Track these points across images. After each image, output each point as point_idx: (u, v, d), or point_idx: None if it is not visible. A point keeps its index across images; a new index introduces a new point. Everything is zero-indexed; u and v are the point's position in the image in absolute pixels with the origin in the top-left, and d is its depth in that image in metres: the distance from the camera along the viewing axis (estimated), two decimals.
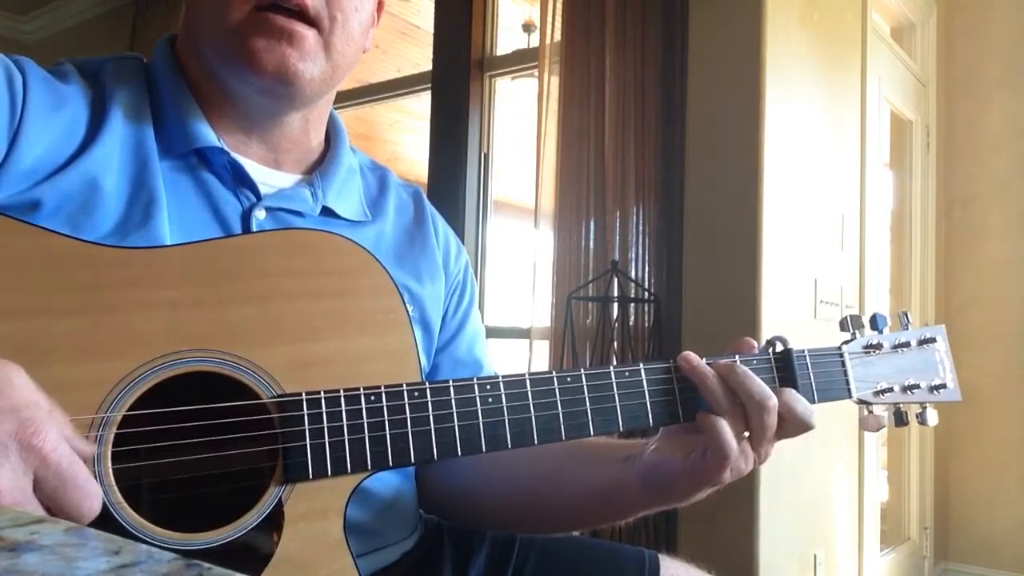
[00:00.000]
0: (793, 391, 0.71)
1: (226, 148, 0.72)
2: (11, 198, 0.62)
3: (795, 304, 2.12)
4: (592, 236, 2.27)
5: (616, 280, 2.15)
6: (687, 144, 2.11)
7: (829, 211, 2.33)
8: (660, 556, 0.83)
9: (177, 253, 0.60)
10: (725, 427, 0.68)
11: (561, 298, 2.26)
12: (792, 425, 0.70)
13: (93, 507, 0.47)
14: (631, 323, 2.16)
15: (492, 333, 2.58)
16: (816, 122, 2.25)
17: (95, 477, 0.52)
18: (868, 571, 2.49)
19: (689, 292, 2.08)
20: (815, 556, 2.17)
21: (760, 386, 0.69)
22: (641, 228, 2.19)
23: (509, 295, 3.17)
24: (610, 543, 0.88)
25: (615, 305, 2.18)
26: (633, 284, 2.18)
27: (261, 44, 0.68)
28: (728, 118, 2.03)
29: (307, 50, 0.70)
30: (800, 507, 2.12)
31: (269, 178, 0.76)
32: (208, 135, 0.71)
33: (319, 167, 0.80)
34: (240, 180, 0.73)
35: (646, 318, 2.16)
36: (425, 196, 0.92)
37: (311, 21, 0.70)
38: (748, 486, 1.91)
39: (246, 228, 0.72)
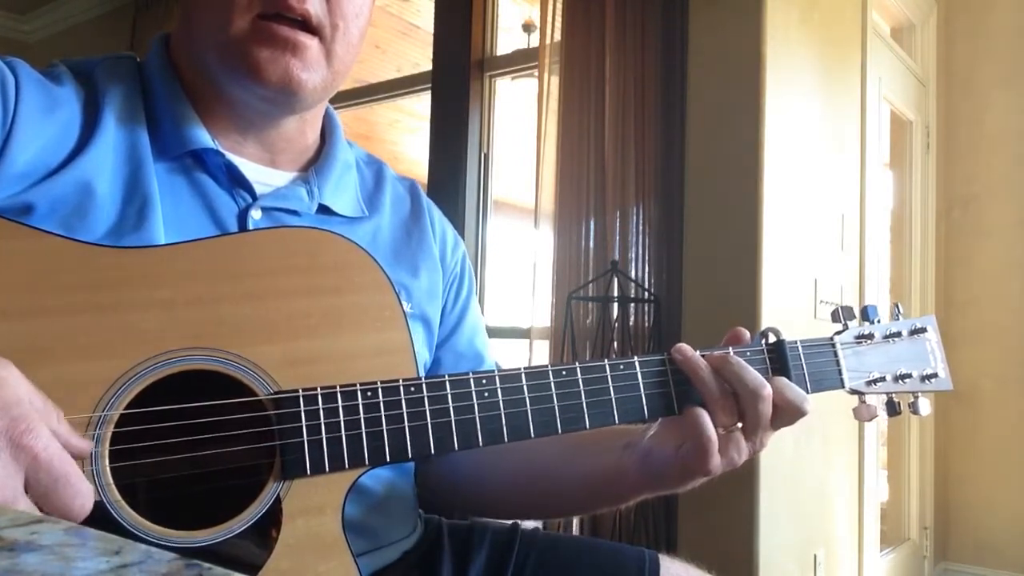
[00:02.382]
0: (783, 378, 0.71)
1: (221, 149, 0.72)
2: (3, 201, 0.61)
3: (795, 304, 2.12)
4: (592, 236, 2.27)
5: (616, 280, 2.15)
6: (687, 144, 2.11)
7: (829, 211, 2.33)
8: (660, 556, 0.83)
9: (172, 252, 0.60)
10: (706, 420, 0.68)
11: (561, 298, 2.26)
12: (786, 413, 0.70)
13: (85, 505, 0.47)
14: (631, 323, 2.16)
15: (492, 333, 2.57)
16: (816, 122, 2.25)
17: (92, 476, 0.52)
18: (868, 571, 2.49)
19: (689, 292, 2.08)
20: (815, 556, 2.17)
21: (753, 375, 0.69)
22: (641, 228, 2.19)
23: (509, 295, 3.17)
24: (610, 543, 0.88)
25: (615, 305, 2.18)
26: (633, 284, 2.18)
27: (265, 54, 0.68)
28: (728, 118, 2.03)
29: (310, 60, 0.70)
30: (800, 507, 2.12)
31: (265, 177, 0.76)
32: (203, 137, 0.71)
33: (315, 164, 0.80)
34: (236, 181, 0.73)
35: (646, 318, 2.16)
36: (421, 189, 0.92)
37: (313, 30, 0.70)
38: (748, 486, 1.91)
39: (242, 228, 0.72)
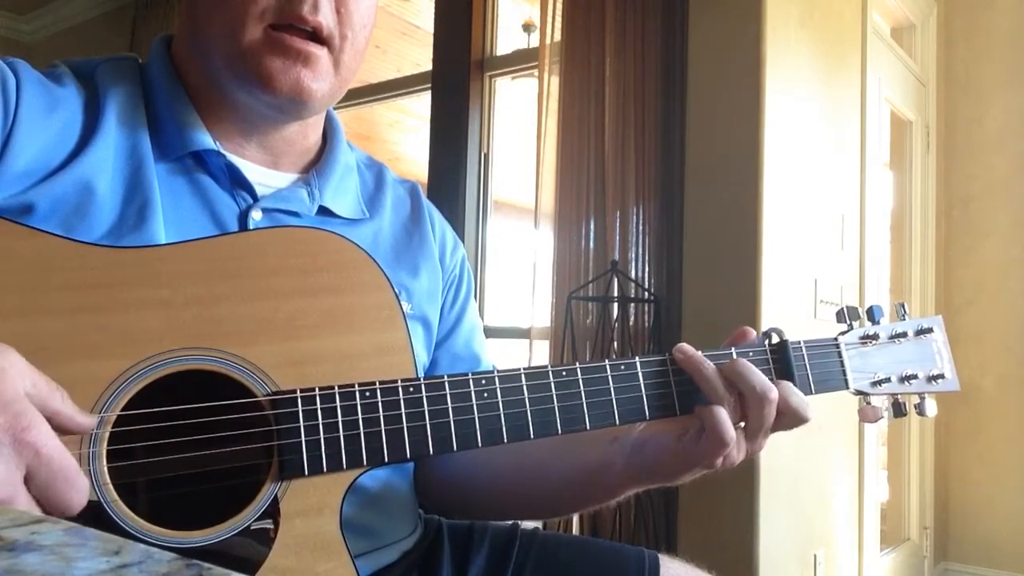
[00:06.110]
0: (788, 383, 0.71)
1: (223, 151, 0.72)
2: (4, 201, 0.61)
3: (795, 304, 2.11)
4: (592, 236, 2.27)
5: (616, 280, 2.15)
6: (687, 144, 2.11)
7: (829, 211, 2.32)
8: (660, 556, 0.83)
9: (171, 252, 0.60)
10: (725, 416, 0.68)
11: (561, 298, 2.26)
12: (788, 418, 0.70)
13: (80, 499, 0.47)
14: (631, 323, 2.16)
15: (492, 333, 2.58)
16: (816, 122, 2.25)
17: (90, 475, 0.52)
18: (868, 571, 2.49)
19: (689, 292, 2.08)
20: (815, 556, 2.17)
21: (761, 379, 0.69)
22: (641, 228, 2.19)
23: (509, 295, 3.17)
24: (610, 543, 0.88)
25: (615, 305, 2.18)
26: (633, 284, 2.18)
27: (277, 65, 0.69)
28: (728, 118, 2.03)
29: (320, 70, 0.71)
30: (800, 507, 2.12)
31: (266, 179, 0.76)
32: (204, 139, 0.71)
33: (316, 165, 0.80)
34: (237, 182, 0.73)
35: (646, 318, 2.16)
36: (422, 191, 0.92)
37: (323, 40, 0.71)
38: (748, 486, 1.91)
39: (243, 229, 0.72)
